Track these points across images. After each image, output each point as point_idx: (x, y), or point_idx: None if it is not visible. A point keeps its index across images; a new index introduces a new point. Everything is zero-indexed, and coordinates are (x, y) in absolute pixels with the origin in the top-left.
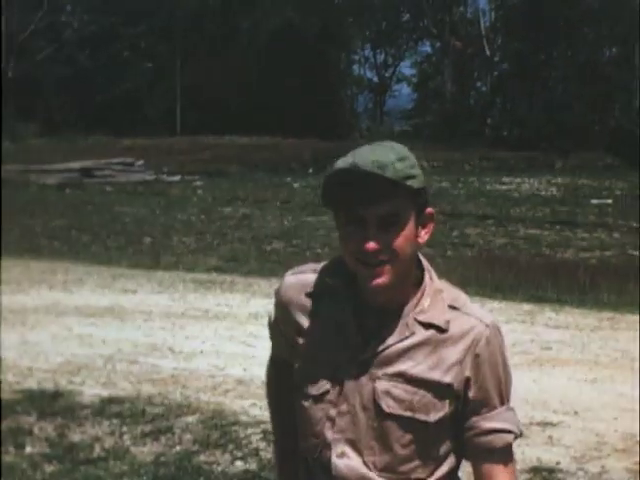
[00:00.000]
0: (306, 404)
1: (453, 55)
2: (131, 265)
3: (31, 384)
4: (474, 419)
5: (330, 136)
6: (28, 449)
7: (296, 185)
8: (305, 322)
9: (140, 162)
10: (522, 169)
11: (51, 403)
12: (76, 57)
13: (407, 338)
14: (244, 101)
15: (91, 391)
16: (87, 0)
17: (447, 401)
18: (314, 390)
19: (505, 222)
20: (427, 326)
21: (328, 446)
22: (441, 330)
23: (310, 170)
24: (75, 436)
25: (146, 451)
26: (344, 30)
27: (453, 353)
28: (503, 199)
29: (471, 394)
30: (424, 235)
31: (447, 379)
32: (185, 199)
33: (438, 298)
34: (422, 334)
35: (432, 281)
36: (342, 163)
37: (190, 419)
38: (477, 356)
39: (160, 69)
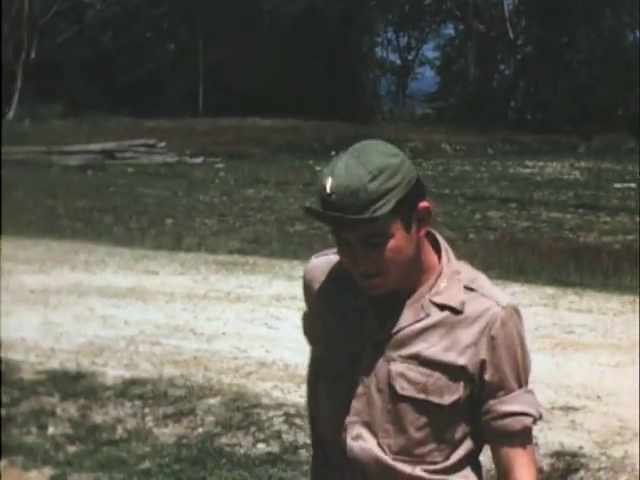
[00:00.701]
0: (324, 387)
1: (476, 38)
2: (153, 246)
3: (54, 365)
4: (491, 402)
5: (352, 119)
6: (51, 430)
7: (318, 168)
8: (326, 304)
9: (162, 144)
10: (545, 152)
11: (73, 384)
12: (98, 39)
13: (422, 320)
14: (266, 83)
15: (113, 372)
16: None
17: (462, 384)
18: (331, 373)
19: (528, 205)
20: (442, 307)
21: (344, 428)
22: (456, 311)
23: (332, 153)
24: (97, 417)
25: (168, 433)
26: (367, 13)
27: (468, 335)
28: (526, 182)
29: (487, 377)
30: (423, 229)
31: (461, 361)
32: (207, 181)
33: (454, 279)
34: (437, 315)
35: (449, 263)
36: (321, 186)
37: (212, 401)
38: (492, 338)
39: (182, 50)
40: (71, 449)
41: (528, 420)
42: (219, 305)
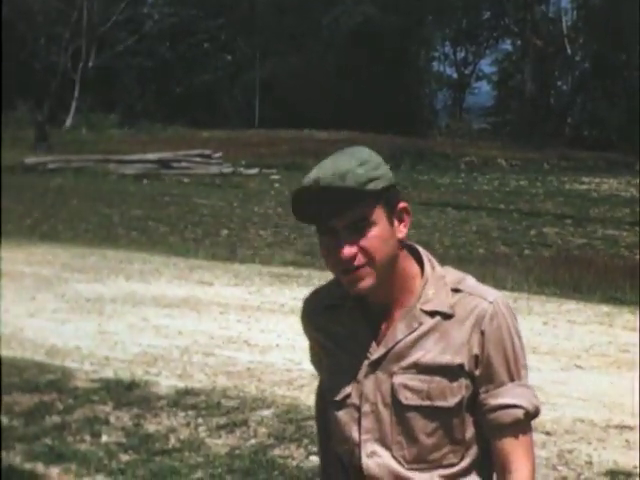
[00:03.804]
0: (333, 411)
1: (534, 54)
2: (208, 257)
3: (108, 374)
4: (483, 396)
5: (409, 132)
6: (104, 438)
7: None
8: (323, 333)
9: (218, 154)
10: (601, 169)
11: (127, 393)
12: (156, 49)
13: (416, 329)
14: (323, 95)
15: (167, 382)
16: None
17: (462, 383)
18: (337, 396)
19: (584, 222)
20: (433, 314)
21: (358, 448)
22: (447, 315)
23: (388, 166)
24: (151, 426)
25: (221, 443)
26: (424, 27)
27: (460, 334)
28: (582, 199)
29: (478, 371)
30: (403, 229)
31: (458, 360)
32: (262, 192)
33: (441, 284)
34: (429, 322)
35: (434, 270)
36: (306, 179)
37: (265, 413)
38: (482, 333)
39: (239, 62)
40: (124, 458)
41: (519, 412)
42: (273, 317)
